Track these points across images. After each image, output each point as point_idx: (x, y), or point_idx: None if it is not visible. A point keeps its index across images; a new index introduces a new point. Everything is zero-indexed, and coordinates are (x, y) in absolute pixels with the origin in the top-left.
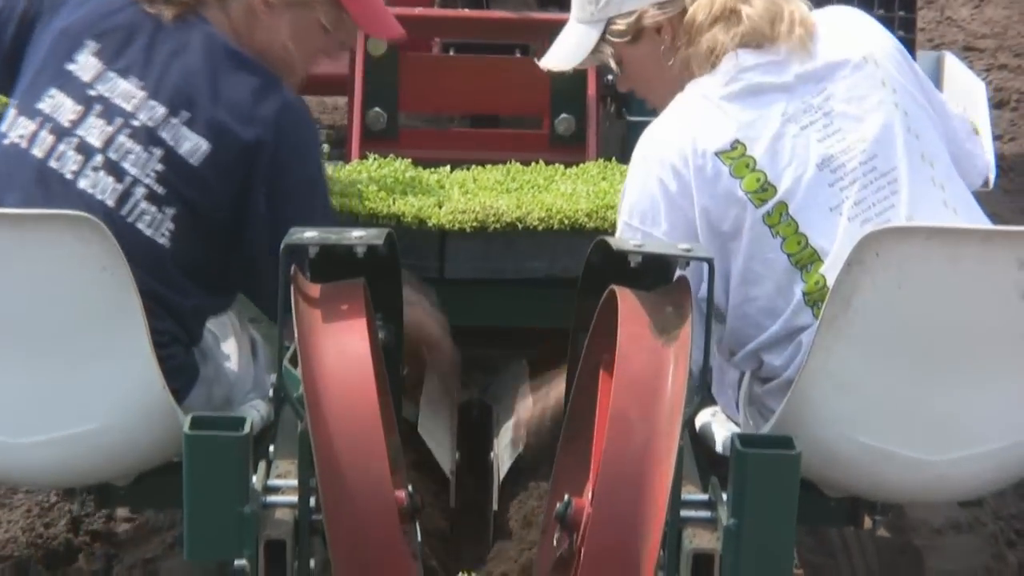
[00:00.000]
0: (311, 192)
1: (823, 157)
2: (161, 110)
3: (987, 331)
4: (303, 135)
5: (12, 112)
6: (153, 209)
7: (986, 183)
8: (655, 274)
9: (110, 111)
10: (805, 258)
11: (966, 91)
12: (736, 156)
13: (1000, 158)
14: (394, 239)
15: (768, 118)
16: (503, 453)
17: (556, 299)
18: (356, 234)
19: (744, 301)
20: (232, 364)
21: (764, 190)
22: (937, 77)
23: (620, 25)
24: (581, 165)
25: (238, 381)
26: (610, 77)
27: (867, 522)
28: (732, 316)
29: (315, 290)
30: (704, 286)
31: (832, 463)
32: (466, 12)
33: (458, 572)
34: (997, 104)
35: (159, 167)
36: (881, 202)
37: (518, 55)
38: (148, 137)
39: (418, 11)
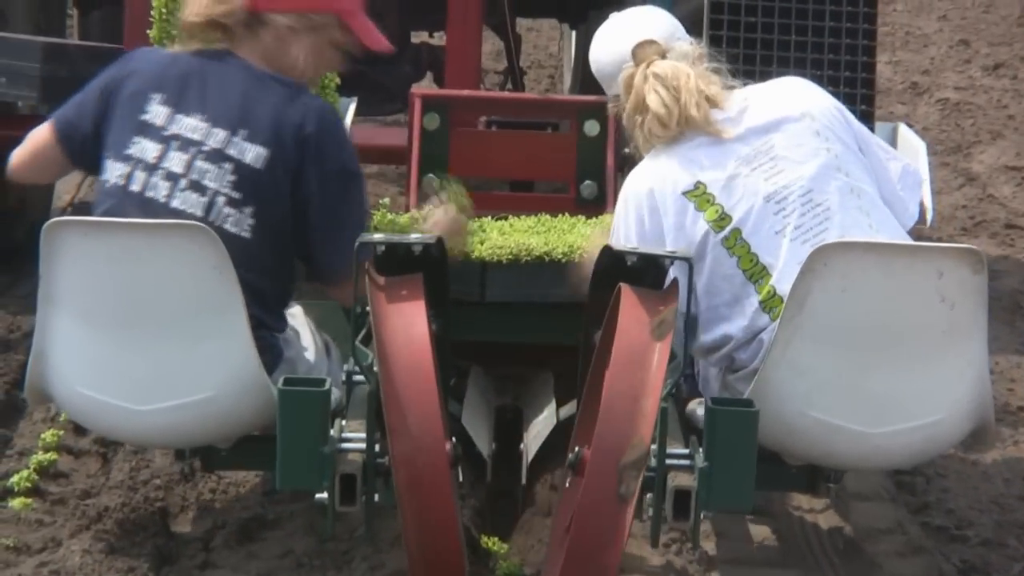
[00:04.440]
0: (350, 179)
1: (769, 192)
2: (223, 133)
3: (914, 327)
4: (335, 124)
5: (108, 162)
6: (235, 211)
7: (923, 221)
8: (651, 278)
9: (184, 144)
10: (757, 273)
11: (912, 149)
12: (699, 194)
13: None
14: (443, 244)
15: (725, 162)
16: (531, 444)
17: (576, 320)
18: (414, 237)
19: (707, 308)
20: (309, 355)
21: (722, 219)
22: (893, 141)
23: (611, 98)
24: (599, 216)
25: (315, 367)
26: (626, 150)
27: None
28: (702, 318)
29: (383, 281)
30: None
31: (790, 435)
32: (506, 94)
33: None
34: None
35: (232, 177)
36: (817, 226)
37: (549, 131)
38: (218, 156)
39: (466, 92)
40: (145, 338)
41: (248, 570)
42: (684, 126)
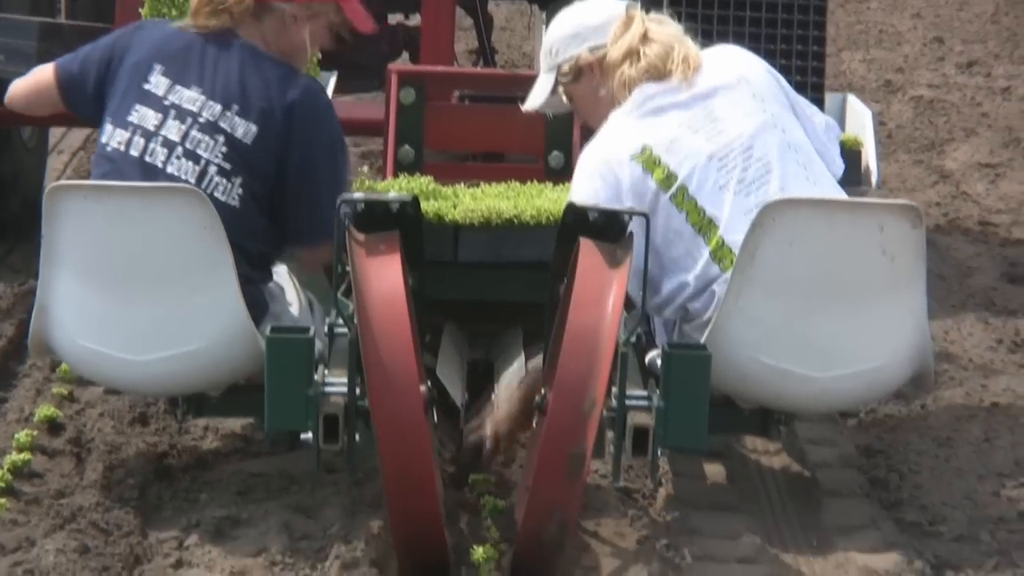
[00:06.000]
0: (331, 151)
1: (712, 151)
2: (218, 107)
3: (857, 279)
4: (321, 100)
5: (108, 127)
6: (224, 181)
7: (868, 183)
8: (612, 234)
9: (181, 114)
10: (704, 225)
11: (860, 118)
12: (646, 157)
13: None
14: (419, 203)
15: (668, 127)
16: (502, 394)
17: (544, 279)
18: (392, 195)
19: (666, 261)
20: (294, 310)
21: (669, 178)
22: (843, 110)
23: (565, 68)
24: (565, 184)
25: (299, 321)
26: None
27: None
28: (661, 271)
29: (363, 237)
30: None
31: (743, 379)
32: (478, 70)
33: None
34: (1011, 280)
35: (224, 149)
36: (758, 179)
37: (519, 104)
38: (212, 128)
39: (440, 68)
40: (141, 293)
41: (223, 568)
42: (661, 76)
